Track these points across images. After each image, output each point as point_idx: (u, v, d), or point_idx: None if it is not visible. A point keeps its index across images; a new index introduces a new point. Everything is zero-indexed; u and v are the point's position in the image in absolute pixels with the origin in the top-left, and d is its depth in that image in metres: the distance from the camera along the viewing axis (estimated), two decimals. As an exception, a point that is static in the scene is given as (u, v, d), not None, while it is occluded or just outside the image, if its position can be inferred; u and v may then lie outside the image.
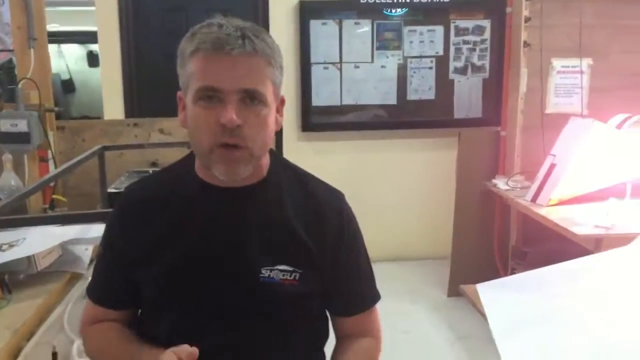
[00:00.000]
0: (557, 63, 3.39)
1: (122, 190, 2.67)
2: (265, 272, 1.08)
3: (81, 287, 1.91)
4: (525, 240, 3.36)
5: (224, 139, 1.01)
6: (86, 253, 2.07)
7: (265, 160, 1.14)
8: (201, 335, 1.08)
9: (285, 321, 1.12)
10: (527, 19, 3.29)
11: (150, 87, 4.06)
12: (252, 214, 1.11)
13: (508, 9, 3.42)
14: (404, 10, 4.12)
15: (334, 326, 1.25)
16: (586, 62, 3.37)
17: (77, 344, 1.49)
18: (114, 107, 3.98)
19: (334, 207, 1.17)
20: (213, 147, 1.03)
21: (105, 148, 2.26)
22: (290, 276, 1.09)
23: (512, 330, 1.52)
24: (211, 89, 1.01)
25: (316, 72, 4.10)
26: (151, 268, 1.10)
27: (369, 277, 1.23)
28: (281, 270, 1.08)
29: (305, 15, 4.01)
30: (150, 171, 2.87)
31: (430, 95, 4.23)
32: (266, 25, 4.01)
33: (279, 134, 2.97)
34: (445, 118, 4.22)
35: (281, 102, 1.12)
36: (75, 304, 1.78)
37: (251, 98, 1.02)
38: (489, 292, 1.74)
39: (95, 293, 1.20)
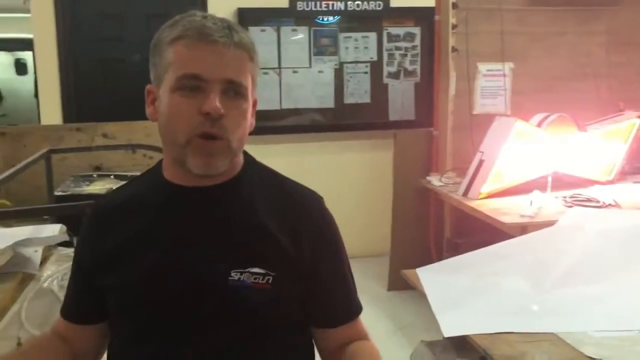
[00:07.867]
0: (483, 67, 3.62)
1: (69, 193, 2.72)
2: (235, 275, 1.00)
3: (35, 286, 1.93)
4: (458, 232, 3.55)
5: (204, 129, 0.96)
6: (36, 254, 2.09)
7: (239, 159, 1.10)
8: (168, 344, 1.02)
9: (257, 329, 1.03)
10: (454, 26, 3.50)
11: (88, 92, 4.02)
12: (222, 213, 1.05)
13: (436, 17, 3.62)
14: (336, 18, 4.29)
15: (318, 344, 1.15)
16: (508, 66, 3.62)
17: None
18: (51, 113, 3.93)
19: (312, 208, 1.11)
20: (191, 137, 0.98)
21: (52, 151, 2.27)
22: (263, 279, 1.00)
23: (449, 304, 1.67)
24: (194, 76, 0.96)
25: (256, 77, 4.19)
26: (115, 276, 1.04)
27: (353, 285, 1.16)
28: (252, 273, 1.00)
29: (244, 22, 4.10)
30: (95, 175, 2.89)
31: (366, 98, 4.42)
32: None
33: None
34: (380, 120, 4.42)
35: (254, 103, 1.07)
36: (30, 302, 1.81)
37: (234, 90, 0.99)
38: (427, 274, 1.90)
39: (64, 308, 1.16)
